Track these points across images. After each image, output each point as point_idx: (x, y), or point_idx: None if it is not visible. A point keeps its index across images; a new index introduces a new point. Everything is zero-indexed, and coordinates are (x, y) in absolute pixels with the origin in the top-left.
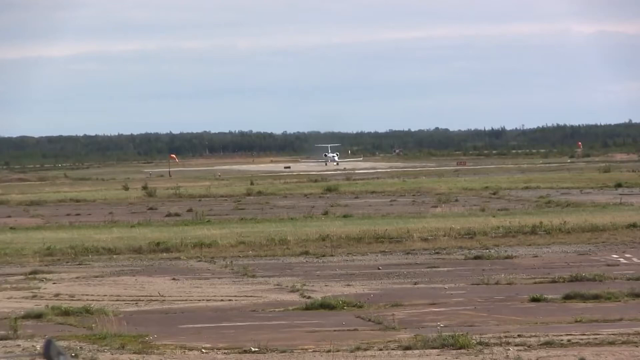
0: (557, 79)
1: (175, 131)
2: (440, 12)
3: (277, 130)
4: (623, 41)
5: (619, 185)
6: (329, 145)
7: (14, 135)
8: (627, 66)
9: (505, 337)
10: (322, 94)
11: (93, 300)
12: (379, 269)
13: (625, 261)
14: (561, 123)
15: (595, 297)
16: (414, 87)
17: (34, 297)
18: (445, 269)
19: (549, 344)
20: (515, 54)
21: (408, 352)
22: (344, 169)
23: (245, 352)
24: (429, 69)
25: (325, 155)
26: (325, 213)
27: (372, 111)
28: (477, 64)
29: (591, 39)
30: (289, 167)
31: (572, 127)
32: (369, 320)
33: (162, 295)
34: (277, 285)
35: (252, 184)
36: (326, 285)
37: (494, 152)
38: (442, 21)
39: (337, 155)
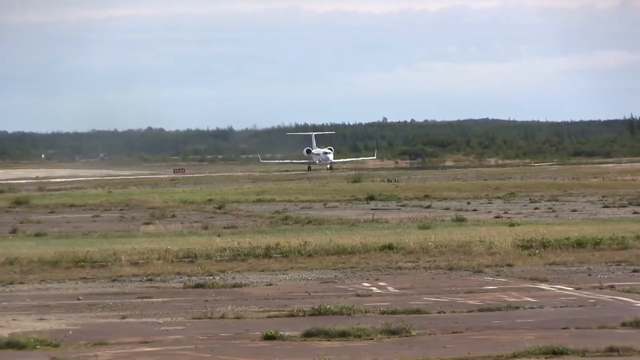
0: (290, 67)
1: None
2: None
3: None
4: (369, 21)
5: (371, 198)
6: (313, 134)
7: None
8: (384, 52)
9: None
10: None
11: None
12: (79, 299)
13: (378, 290)
14: (300, 122)
15: (343, 335)
16: (116, 77)
17: None
18: (160, 299)
19: None
20: (242, 37)
21: None
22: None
23: None
24: (131, 55)
25: (309, 151)
26: (14, 231)
27: (70, 106)
28: (195, 49)
29: (325, 19)
30: None
31: (314, 126)
32: None
33: None
34: None
35: None
36: (14, 320)
37: (220, 157)
38: None
39: (331, 152)
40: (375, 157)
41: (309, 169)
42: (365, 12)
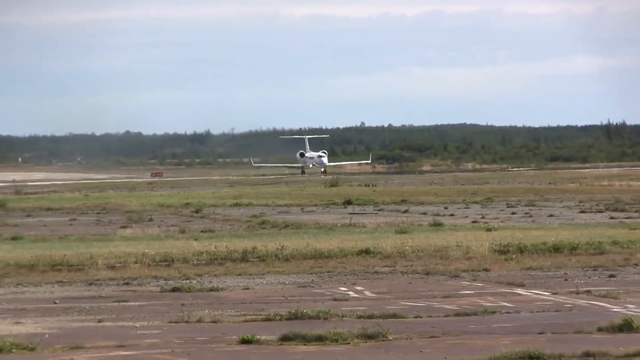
0: (268, 71)
1: None
2: None
3: None
4: (347, 25)
5: (348, 203)
6: (306, 137)
7: None
8: (362, 57)
9: None
10: None
11: None
12: (56, 303)
13: (355, 295)
14: (278, 126)
15: (319, 339)
16: (95, 80)
17: None
18: (137, 303)
19: None
20: (221, 41)
21: None
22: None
23: None
24: (113, 58)
25: (303, 154)
26: None
27: (45, 109)
28: (173, 53)
29: (303, 24)
30: None
31: (291, 130)
32: None
33: None
34: None
35: None
36: None
37: (197, 160)
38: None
39: (325, 155)
40: (370, 161)
41: (303, 172)
42: (343, 16)
